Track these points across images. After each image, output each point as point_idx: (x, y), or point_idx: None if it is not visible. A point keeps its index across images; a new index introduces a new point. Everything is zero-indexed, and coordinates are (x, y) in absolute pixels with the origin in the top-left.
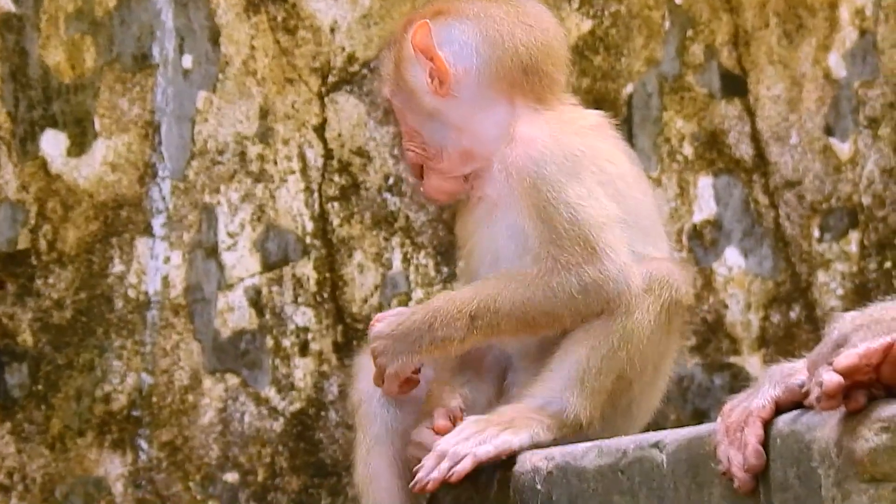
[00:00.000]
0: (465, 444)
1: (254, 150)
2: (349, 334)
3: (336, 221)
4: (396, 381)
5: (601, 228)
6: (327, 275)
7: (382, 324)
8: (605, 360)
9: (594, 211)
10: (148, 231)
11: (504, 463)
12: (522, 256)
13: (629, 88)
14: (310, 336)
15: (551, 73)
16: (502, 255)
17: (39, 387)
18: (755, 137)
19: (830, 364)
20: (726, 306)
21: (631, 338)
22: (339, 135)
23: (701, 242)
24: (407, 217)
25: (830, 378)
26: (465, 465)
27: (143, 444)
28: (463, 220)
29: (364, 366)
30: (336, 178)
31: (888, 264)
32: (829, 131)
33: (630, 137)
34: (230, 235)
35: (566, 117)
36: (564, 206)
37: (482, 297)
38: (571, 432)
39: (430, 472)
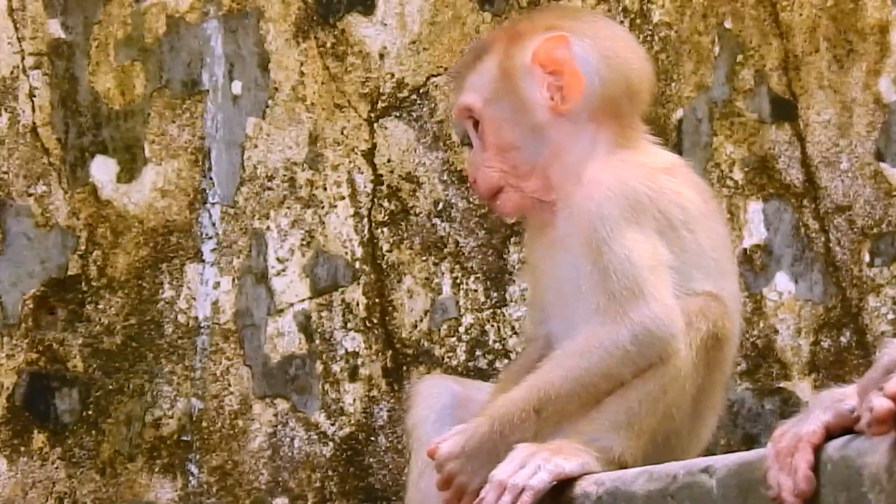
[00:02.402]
0: (521, 473)
1: (303, 175)
2: (398, 359)
3: (385, 247)
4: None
5: (650, 271)
6: (377, 300)
7: (448, 444)
8: (653, 403)
9: (646, 255)
10: (198, 256)
11: (554, 488)
12: (583, 296)
13: (679, 114)
14: (359, 361)
15: (644, 101)
16: (566, 291)
17: (90, 412)
18: (805, 162)
19: (881, 389)
20: (776, 331)
21: (677, 377)
22: (389, 160)
23: (751, 267)
24: (456, 242)
25: (881, 403)
26: (526, 501)
27: (194, 468)
28: (531, 245)
29: (421, 390)
30: (385, 203)
31: None
32: (879, 156)
33: None
34: (280, 261)
35: (638, 159)
36: (619, 246)
37: (540, 387)
38: (616, 468)
39: None
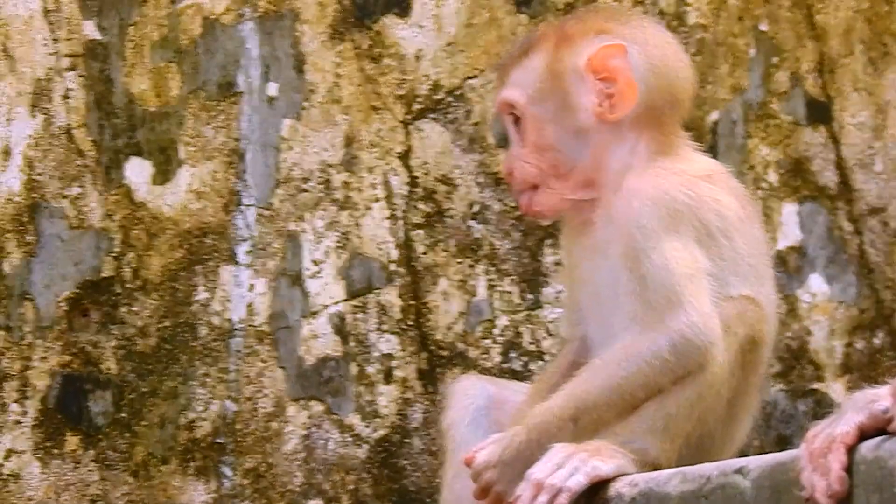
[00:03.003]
0: (558, 474)
1: (339, 177)
2: (433, 361)
3: (421, 249)
4: None
5: (688, 279)
6: (412, 302)
7: (484, 454)
8: (690, 407)
9: (684, 263)
10: (232, 259)
11: (588, 488)
12: (620, 302)
13: (714, 116)
14: (394, 363)
15: (686, 108)
16: (603, 295)
17: (123, 414)
18: (840, 165)
19: None
20: (810, 333)
21: (714, 383)
22: (424, 162)
23: (785, 269)
24: (491, 244)
25: None
26: (562, 502)
27: (227, 471)
28: (568, 247)
29: (456, 391)
30: (421, 205)
31: None
32: None
33: None
34: (315, 263)
35: (678, 167)
36: (658, 255)
37: (577, 396)
38: (651, 470)
39: None
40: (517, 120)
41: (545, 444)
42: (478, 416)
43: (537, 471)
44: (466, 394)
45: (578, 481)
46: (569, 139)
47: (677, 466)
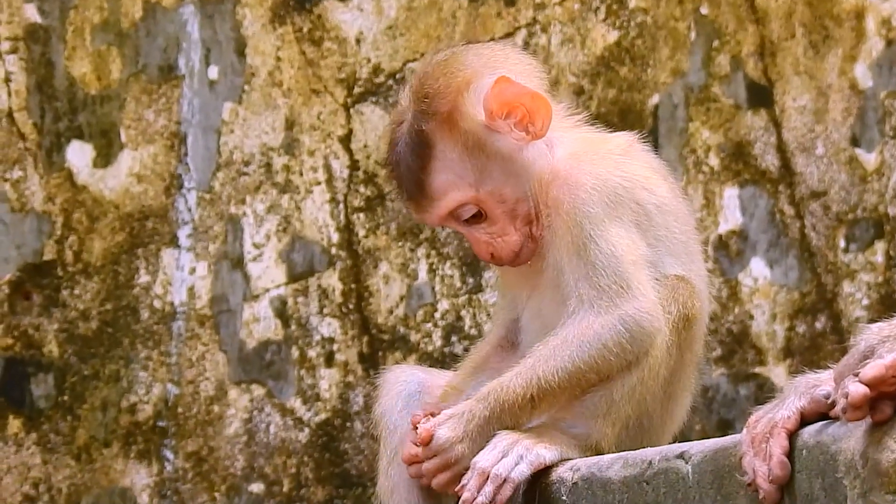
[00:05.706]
0: (503, 463)
1: (279, 161)
2: (375, 345)
3: (362, 232)
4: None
5: (633, 265)
6: (353, 286)
7: (447, 429)
8: (633, 392)
9: (630, 250)
10: (174, 242)
11: (532, 474)
12: (562, 293)
13: (655, 99)
14: (335, 347)
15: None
16: (543, 288)
17: (65, 398)
18: (781, 148)
19: (856, 375)
20: (752, 317)
21: (654, 366)
22: (365, 145)
23: (727, 253)
24: (432, 228)
25: (856, 389)
26: (506, 493)
27: (169, 454)
28: None
29: (388, 380)
30: (362, 188)
31: None
32: (854, 142)
33: (656, 148)
34: (256, 246)
35: (603, 148)
36: (605, 243)
37: (539, 377)
38: (593, 454)
39: (475, 494)
40: (472, 215)
41: (506, 422)
42: (410, 403)
43: (482, 459)
44: (398, 380)
45: (522, 472)
46: (522, 179)
47: (618, 448)
